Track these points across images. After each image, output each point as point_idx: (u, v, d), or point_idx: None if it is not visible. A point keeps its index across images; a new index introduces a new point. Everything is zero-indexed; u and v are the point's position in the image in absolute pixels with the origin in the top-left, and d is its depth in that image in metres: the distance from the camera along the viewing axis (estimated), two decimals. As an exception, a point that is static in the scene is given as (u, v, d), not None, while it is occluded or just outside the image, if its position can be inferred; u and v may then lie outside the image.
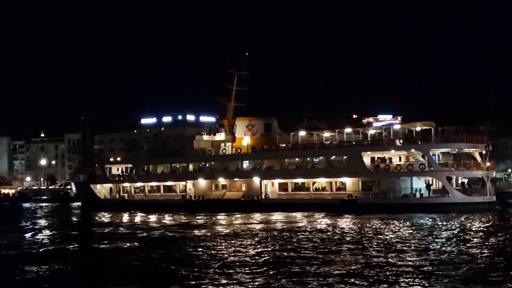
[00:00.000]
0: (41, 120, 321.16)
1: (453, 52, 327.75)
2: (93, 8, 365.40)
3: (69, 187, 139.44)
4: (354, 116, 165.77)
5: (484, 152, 68.37)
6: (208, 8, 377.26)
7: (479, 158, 69.69)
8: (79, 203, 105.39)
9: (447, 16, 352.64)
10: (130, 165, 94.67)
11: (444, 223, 51.45)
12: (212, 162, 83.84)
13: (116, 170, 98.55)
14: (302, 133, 78.49)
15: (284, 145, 78.36)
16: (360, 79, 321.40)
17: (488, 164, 67.47)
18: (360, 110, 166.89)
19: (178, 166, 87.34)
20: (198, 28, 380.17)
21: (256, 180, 77.39)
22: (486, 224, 50.53)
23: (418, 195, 66.14)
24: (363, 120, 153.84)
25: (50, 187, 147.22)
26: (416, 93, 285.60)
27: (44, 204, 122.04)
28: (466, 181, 71.82)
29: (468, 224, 50.75)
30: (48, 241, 45.55)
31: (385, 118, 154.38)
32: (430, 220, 54.34)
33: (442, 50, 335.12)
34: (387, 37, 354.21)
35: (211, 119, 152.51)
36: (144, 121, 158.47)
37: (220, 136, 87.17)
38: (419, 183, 67.39)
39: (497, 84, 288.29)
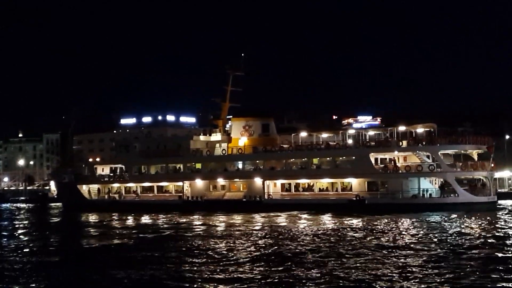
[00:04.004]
0: (19, 120, 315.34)
1: (431, 55, 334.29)
2: (72, 7, 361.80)
3: (47, 187, 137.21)
4: (334, 117, 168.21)
5: (488, 152, 69.75)
6: (190, 8, 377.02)
7: (476, 159, 71.26)
8: (60, 204, 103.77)
9: (425, 18, 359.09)
10: (120, 165, 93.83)
11: (465, 222, 52.67)
12: (212, 163, 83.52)
13: (101, 170, 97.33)
14: (303, 134, 78.98)
15: (287, 145, 78.65)
16: (340, 80, 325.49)
17: (492, 165, 68.92)
18: (340, 111, 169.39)
19: (177, 166, 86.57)
20: (179, 27, 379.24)
21: (258, 180, 77.43)
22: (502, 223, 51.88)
23: (427, 195, 67.24)
24: (343, 121, 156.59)
25: (28, 188, 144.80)
26: (394, 95, 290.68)
27: (22, 205, 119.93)
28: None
29: (485, 223, 51.98)
30: (47, 243, 44.90)
31: (365, 119, 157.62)
32: (445, 219, 55.42)
33: (420, 53, 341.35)
34: (368, 40, 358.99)
35: (192, 119, 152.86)
36: (123, 121, 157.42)
37: (216, 137, 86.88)
38: (425, 184, 68.60)
39: (476, 85, 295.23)
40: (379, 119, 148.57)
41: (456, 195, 66.09)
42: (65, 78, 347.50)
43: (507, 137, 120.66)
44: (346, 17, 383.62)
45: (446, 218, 56.00)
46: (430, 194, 67.76)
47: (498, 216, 59.22)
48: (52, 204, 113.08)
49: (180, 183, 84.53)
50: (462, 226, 49.60)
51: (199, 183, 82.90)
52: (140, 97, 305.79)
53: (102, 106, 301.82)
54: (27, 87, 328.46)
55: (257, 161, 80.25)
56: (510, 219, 56.34)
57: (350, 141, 75.28)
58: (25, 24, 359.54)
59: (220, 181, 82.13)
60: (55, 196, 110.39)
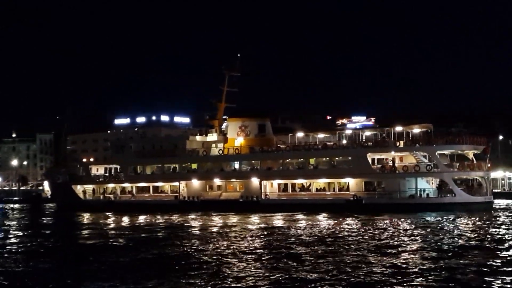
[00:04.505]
0: (12, 120, 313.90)
1: (431, 55, 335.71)
2: (72, 7, 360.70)
3: (41, 187, 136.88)
4: (328, 117, 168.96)
5: (484, 153, 70.23)
6: (190, 8, 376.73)
7: (472, 159, 71.64)
8: (54, 204, 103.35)
9: (425, 18, 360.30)
10: (115, 166, 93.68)
11: (463, 221, 53.03)
12: (208, 163, 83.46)
13: (95, 170, 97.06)
14: (300, 134, 79.18)
15: (284, 146, 78.80)
16: (339, 81, 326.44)
17: (488, 165, 69.36)
18: (335, 112, 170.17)
19: (173, 166, 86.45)
20: (179, 27, 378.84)
21: (255, 180, 77.50)
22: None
23: (424, 195, 67.57)
24: (337, 121, 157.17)
25: (21, 188, 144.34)
26: (394, 95, 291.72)
27: (16, 205, 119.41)
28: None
29: (483, 222, 52.33)
30: (42, 244, 44.49)
31: (359, 120, 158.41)
32: (443, 219, 55.70)
33: (420, 53, 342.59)
34: (368, 40, 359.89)
35: (186, 119, 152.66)
36: (117, 121, 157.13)
37: (212, 137, 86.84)
38: (423, 184, 68.95)
39: (474, 86, 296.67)
40: (373, 120, 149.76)
41: (453, 195, 66.48)
42: (60, 78, 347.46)
43: (501, 137, 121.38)
44: (346, 17, 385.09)
45: (443, 218, 56.25)
46: (428, 194, 68.18)
47: (496, 216, 59.75)
48: (46, 204, 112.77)
49: (176, 183, 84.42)
50: (460, 226, 49.97)
51: (195, 183, 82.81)
52: (134, 97, 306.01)
53: (96, 106, 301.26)
54: (21, 87, 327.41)
55: (254, 161, 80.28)
56: (508, 219, 56.72)
57: (344, 141, 75.63)
58: (25, 24, 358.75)
59: (217, 181, 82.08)
60: (49, 197, 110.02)
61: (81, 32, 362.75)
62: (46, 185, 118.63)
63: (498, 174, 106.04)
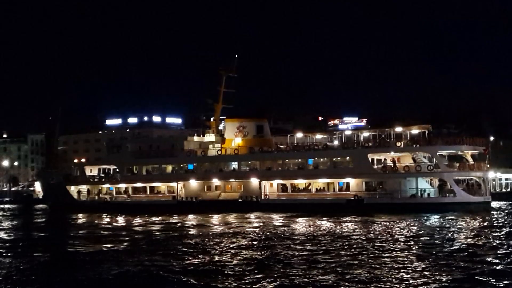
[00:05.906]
0: (3, 121, 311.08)
1: (431, 55, 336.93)
2: (64, 7, 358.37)
3: (32, 188, 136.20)
4: (320, 118, 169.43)
5: (483, 153, 71.02)
6: (190, 8, 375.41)
7: (470, 160, 72.38)
8: (45, 205, 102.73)
9: (407, 19, 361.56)
10: (110, 166, 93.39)
11: (465, 221, 53.62)
12: (206, 163, 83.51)
13: (89, 171, 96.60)
14: (299, 135, 79.57)
15: (284, 146, 79.20)
16: (337, 80, 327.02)
17: (488, 165, 70.16)
18: (326, 112, 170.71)
19: (171, 167, 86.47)
20: (172, 28, 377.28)
21: (254, 181, 77.69)
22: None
23: (425, 195, 68.20)
24: (329, 122, 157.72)
25: (12, 189, 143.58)
26: (378, 96, 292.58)
27: (7, 206, 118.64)
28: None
29: (485, 222, 52.94)
30: (38, 245, 43.30)
31: (351, 120, 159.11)
32: (445, 219, 56.24)
33: (404, 54, 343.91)
34: (368, 40, 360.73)
35: (178, 120, 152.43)
36: (109, 122, 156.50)
37: (210, 138, 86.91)
38: (423, 183, 69.59)
39: (459, 86, 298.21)
40: (364, 121, 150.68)
41: (453, 195, 67.17)
42: (51, 78, 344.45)
43: (491, 138, 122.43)
44: (346, 17, 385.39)
45: (445, 218, 56.76)
46: (428, 194, 68.83)
47: (495, 215, 60.63)
48: (37, 205, 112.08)
49: (174, 184, 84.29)
50: (461, 225, 50.46)
51: (193, 183, 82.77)
52: (126, 97, 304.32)
53: (89, 106, 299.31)
54: (12, 87, 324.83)
55: (253, 162, 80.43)
56: (507, 218, 57.46)
57: (336, 142, 76.15)
58: (20, 24, 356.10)
59: (215, 181, 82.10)
60: (41, 197, 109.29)
61: (74, 32, 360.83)
62: (37, 185, 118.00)
63: (489, 175, 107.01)
